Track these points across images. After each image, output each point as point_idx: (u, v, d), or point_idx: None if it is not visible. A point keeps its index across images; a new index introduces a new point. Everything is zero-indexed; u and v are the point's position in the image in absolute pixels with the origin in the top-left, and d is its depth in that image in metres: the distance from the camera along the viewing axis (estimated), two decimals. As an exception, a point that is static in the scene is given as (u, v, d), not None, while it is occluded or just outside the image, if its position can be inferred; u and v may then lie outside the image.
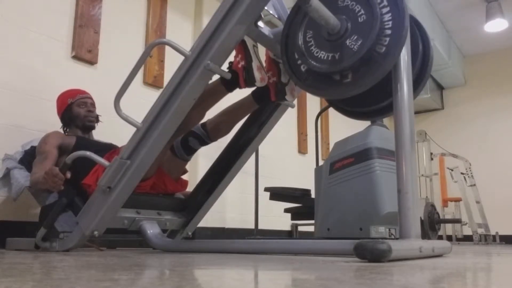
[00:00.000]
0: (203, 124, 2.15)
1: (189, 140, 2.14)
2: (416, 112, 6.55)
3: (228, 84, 1.90)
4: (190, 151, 2.19)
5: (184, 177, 2.40)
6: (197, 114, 1.98)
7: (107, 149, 2.20)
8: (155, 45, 1.79)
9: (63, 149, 2.26)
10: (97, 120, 2.51)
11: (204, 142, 2.17)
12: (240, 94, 2.03)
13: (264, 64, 1.93)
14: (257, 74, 1.80)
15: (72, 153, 1.86)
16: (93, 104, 2.46)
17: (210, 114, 2.15)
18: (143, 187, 2.07)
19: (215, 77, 1.86)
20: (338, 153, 2.35)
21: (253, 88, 2.04)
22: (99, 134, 2.55)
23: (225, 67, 1.82)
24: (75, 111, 2.39)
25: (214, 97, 1.96)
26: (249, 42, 1.84)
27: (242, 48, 1.83)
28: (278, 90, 1.92)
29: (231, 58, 1.90)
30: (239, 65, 1.84)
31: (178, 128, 1.93)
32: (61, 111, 2.43)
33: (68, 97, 2.43)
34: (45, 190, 1.99)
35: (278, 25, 3.60)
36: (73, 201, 1.97)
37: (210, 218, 2.90)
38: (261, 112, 2.17)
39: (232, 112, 2.11)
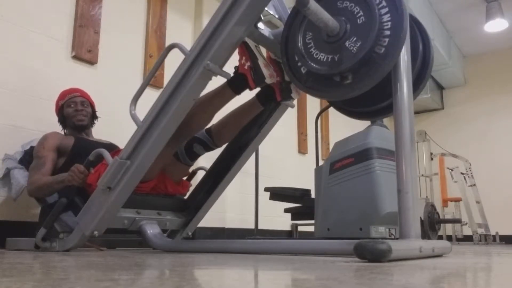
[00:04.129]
0: (208, 130, 2.14)
1: (193, 146, 2.14)
2: (416, 112, 6.56)
3: (236, 87, 1.89)
4: (193, 157, 2.19)
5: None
6: (204, 118, 1.96)
7: (107, 149, 2.20)
8: (171, 48, 1.79)
9: (62, 150, 2.26)
10: (95, 117, 2.50)
11: (209, 148, 2.16)
12: (244, 97, 2.02)
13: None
14: (265, 71, 1.80)
15: (95, 150, 1.91)
16: (84, 102, 2.43)
17: (215, 118, 2.13)
18: (144, 188, 2.07)
19: (223, 80, 1.86)
20: (338, 153, 2.35)
21: (256, 91, 2.03)
22: (99, 133, 2.55)
23: (230, 73, 1.82)
24: (66, 112, 2.40)
25: (221, 100, 1.94)
26: (251, 43, 1.84)
27: (245, 49, 1.83)
28: (283, 89, 1.91)
29: (235, 62, 1.90)
30: (245, 67, 1.84)
31: (184, 133, 1.93)
32: (56, 113, 2.45)
33: (60, 99, 2.44)
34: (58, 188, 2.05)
35: (278, 25, 3.60)
36: (73, 201, 1.97)
37: (210, 218, 2.89)
38: (261, 112, 2.17)
39: (236, 116, 2.09)
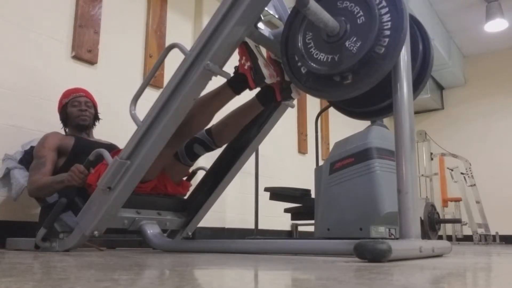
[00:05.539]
0: (208, 130, 2.14)
1: (194, 146, 2.14)
2: (416, 112, 6.56)
3: (236, 87, 1.89)
4: (194, 157, 2.19)
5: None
6: (204, 118, 1.96)
7: (107, 149, 2.20)
8: (171, 48, 1.79)
9: (62, 151, 2.26)
10: (97, 118, 2.50)
11: (210, 148, 2.16)
12: (243, 97, 2.02)
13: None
14: (265, 71, 1.80)
15: (95, 150, 1.91)
16: (88, 102, 2.44)
17: (215, 119, 2.14)
18: (144, 189, 2.07)
19: (223, 80, 1.86)
20: (338, 153, 2.35)
21: (256, 91, 2.03)
22: (99, 133, 2.55)
23: (230, 72, 1.82)
24: (69, 111, 2.40)
25: (221, 100, 1.94)
26: (251, 43, 1.84)
27: (245, 49, 1.83)
28: (283, 89, 1.92)
29: (235, 62, 1.90)
30: (245, 67, 1.84)
31: (184, 133, 1.93)
32: (58, 111, 2.45)
33: (64, 97, 2.44)
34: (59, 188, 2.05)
35: (278, 25, 3.59)
36: (73, 201, 1.97)
37: (210, 218, 2.89)
38: (261, 112, 2.17)
39: (236, 116, 2.09)
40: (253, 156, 3.69)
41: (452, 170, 5.69)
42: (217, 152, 2.33)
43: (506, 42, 6.08)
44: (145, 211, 2.08)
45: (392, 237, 2.21)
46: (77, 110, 2.39)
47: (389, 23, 1.52)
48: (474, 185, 5.61)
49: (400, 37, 1.49)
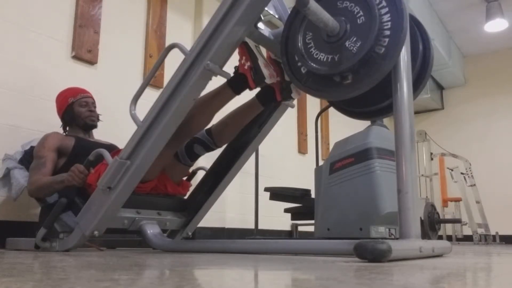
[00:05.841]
0: (208, 130, 2.14)
1: (194, 146, 2.14)
2: (416, 112, 6.56)
3: (236, 87, 1.89)
4: (194, 157, 2.19)
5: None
6: (204, 118, 1.97)
7: (107, 149, 2.20)
8: (171, 48, 1.79)
9: (63, 151, 2.26)
10: (98, 119, 2.51)
11: (210, 148, 2.16)
12: (243, 97, 2.02)
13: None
14: (265, 71, 1.80)
15: (95, 150, 1.91)
16: (94, 104, 2.46)
17: (215, 119, 2.14)
18: (144, 189, 2.07)
19: (223, 80, 1.86)
20: (338, 153, 2.35)
21: (256, 91, 2.03)
22: (99, 133, 2.55)
23: (230, 72, 1.82)
24: (77, 111, 2.39)
25: (221, 100, 1.94)
26: (251, 43, 1.84)
27: (245, 49, 1.83)
28: (283, 89, 1.92)
29: (235, 62, 1.90)
30: (245, 67, 1.84)
31: (184, 133, 1.93)
32: (61, 110, 2.43)
33: (69, 96, 2.42)
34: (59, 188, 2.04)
35: (278, 25, 3.60)
36: (73, 201, 1.97)
37: (210, 218, 2.89)
38: (261, 112, 2.17)
39: (236, 116, 2.10)
40: (253, 156, 3.69)
41: (452, 170, 5.69)
42: (217, 152, 2.33)
43: (506, 42, 6.08)
44: (145, 211, 2.08)
45: (392, 237, 2.21)
46: (87, 111, 2.39)
47: (389, 23, 1.52)
48: (474, 185, 5.61)
49: (400, 37, 1.49)
